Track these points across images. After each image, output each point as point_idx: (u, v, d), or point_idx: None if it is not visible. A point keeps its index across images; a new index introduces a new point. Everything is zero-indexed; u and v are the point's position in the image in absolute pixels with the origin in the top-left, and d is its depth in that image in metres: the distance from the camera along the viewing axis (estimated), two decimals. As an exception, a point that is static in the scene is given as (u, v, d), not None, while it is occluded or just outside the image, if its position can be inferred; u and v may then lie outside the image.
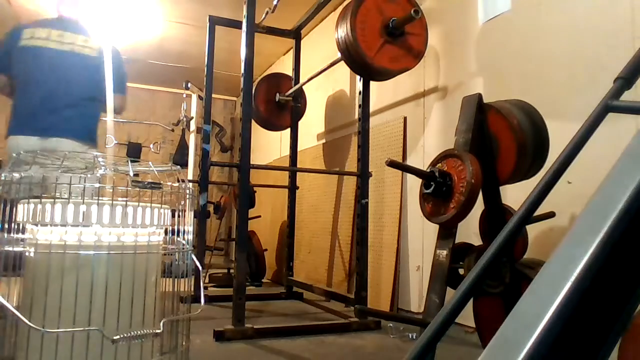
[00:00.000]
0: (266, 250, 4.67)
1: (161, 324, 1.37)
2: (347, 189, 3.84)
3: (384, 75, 2.76)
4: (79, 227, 1.34)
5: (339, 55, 2.78)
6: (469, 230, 2.20)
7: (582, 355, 0.53)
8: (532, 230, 2.11)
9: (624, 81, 0.73)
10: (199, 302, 1.51)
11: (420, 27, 2.70)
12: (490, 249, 0.68)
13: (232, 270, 4.36)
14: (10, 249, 1.36)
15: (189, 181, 3.65)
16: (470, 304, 1.83)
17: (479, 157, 1.77)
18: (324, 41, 4.56)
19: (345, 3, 3.77)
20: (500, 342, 0.51)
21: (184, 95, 5.61)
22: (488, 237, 2.01)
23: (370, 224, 3.10)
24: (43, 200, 1.34)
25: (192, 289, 2.94)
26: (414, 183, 3.08)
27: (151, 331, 1.33)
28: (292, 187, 4.01)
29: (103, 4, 4.38)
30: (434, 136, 3.03)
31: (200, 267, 1.67)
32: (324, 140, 4.48)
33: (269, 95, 4.12)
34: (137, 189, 1.44)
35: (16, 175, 1.36)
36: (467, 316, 2.37)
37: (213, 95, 4.05)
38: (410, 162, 3.18)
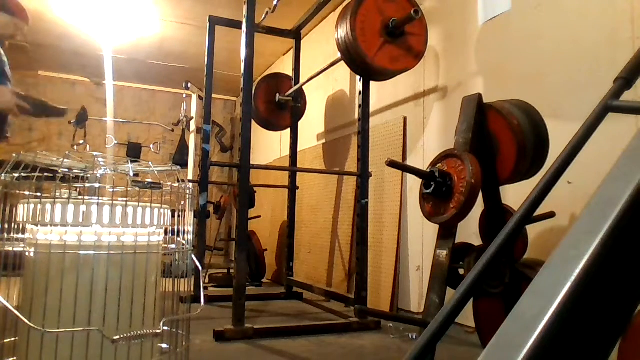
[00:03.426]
0: (266, 250, 4.67)
1: (161, 324, 1.37)
2: (347, 189, 3.84)
3: (384, 75, 2.76)
4: (79, 227, 1.34)
5: (339, 55, 2.78)
6: (469, 230, 2.20)
7: (581, 355, 0.53)
8: (532, 230, 2.11)
9: (624, 81, 0.73)
10: (199, 302, 1.51)
11: (420, 27, 2.70)
12: (490, 249, 0.68)
13: (232, 270, 4.36)
14: (10, 249, 1.36)
15: (189, 181, 3.65)
16: (470, 304, 1.83)
17: (479, 157, 1.77)
18: (324, 41, 4.56)
19: (345, 3, 3.77)
20: (500, 342, 0.51)
21: (184, 95, 5.62)
22: (488, 237, 2.01)
23: (370, 224, 3.09)
24: (43, 200, 1.34)
25: (192, 289, 2.95)
26: (414, 183, 3.08)
27: (151, 331, 1.33)
28: (292, 187, 4.01)
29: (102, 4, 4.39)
30: (434, 136, 3.03)
31: (200, 267, 1.67)
32: (324, 140, 4.48)
33: (269, 95, 4.12)
34: (137, 189, 1.44)
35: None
36: (467, 316, 2.37)
37: (213, 95, 4.05)
38: (410, 162, 3.18)
